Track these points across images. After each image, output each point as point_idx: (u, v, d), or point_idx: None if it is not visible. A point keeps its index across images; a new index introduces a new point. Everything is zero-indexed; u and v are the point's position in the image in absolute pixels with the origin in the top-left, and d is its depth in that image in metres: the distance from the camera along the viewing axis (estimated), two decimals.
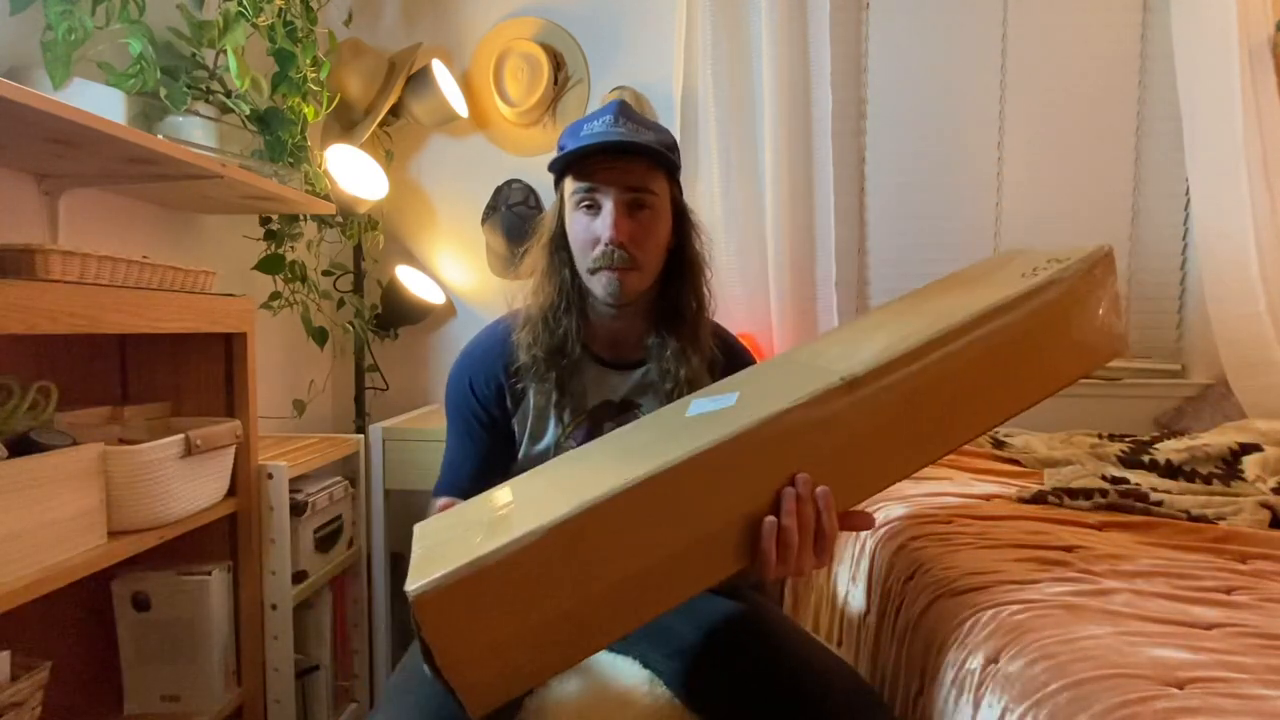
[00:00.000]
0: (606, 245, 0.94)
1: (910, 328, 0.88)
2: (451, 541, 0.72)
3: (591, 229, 0.96)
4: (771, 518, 0.74)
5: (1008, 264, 1.05)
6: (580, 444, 1.01)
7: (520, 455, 1.05)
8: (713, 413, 0.82)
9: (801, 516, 0.74)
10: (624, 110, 0.98)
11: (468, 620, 0.66)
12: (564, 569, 0.69)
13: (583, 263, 0.98)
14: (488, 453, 1.05)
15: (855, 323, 1.06)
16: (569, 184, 0.98)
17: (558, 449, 1.03)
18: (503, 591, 0.66)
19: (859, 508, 0.83)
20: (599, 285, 0.97)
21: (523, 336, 1.01)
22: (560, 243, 1.01)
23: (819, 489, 0.75)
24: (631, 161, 0.95)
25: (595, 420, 1.04)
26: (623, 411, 1.05)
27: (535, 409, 1.03)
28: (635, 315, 1.03)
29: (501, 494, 0.82)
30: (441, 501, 1.04)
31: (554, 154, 0.98)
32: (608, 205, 0.95)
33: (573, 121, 1.03)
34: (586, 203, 0.96)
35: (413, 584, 0.64)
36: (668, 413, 0.90)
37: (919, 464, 0.87)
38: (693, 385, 1.00)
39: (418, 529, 0.80)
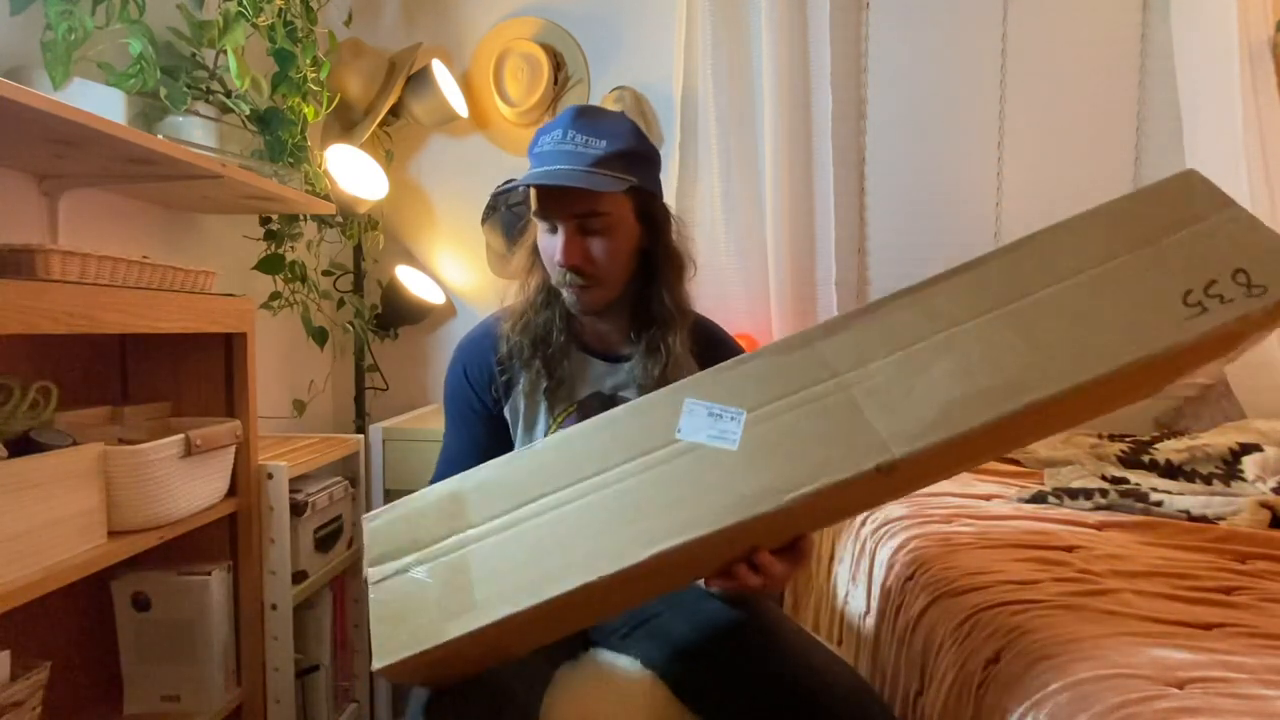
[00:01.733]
0: (560, 267, 0.96)
1: (995, 372, 0.65)
2: (407, 593, 0.71)
3: (550, 248, 0.98)
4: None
5: (1168, 236, 0.68)
6: None
7: (516, 445, 1.06)
8: (707, 450, 0.68)
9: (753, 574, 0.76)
10: (575, 121, 0.94)
11: (416, 669, 0.72)
12: (510, 632, 0.70)
13: (551, 276, 1.01)
14: (484, 445, 1.06)
15: (918, 304, 0.71)
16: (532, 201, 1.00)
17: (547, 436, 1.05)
18: (449, 650, 0.69)
19: None
20: (566, 299, 1.01)
21: (506, 327, 1.04)
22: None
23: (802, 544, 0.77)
24: (575, 187, 0.92)
25: (585, 411, 1.04)
26: (611, 404, 1.06)
27: (525, 396, 1.05)
28: (617, 314, 1.04)
29: (461, 510, 0.74)
30: None
31: None
32: (561, 229, 0.96)
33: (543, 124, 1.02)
34: (546, 225, 0.98)
35: (376, 662, 0.69)
36: (655, 418, 0.72)
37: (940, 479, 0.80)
38: (669, 382, 0.99)
39: (369, 529, 0.76)
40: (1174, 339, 0.63)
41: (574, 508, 0.70)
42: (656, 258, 1.02)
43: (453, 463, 1.07)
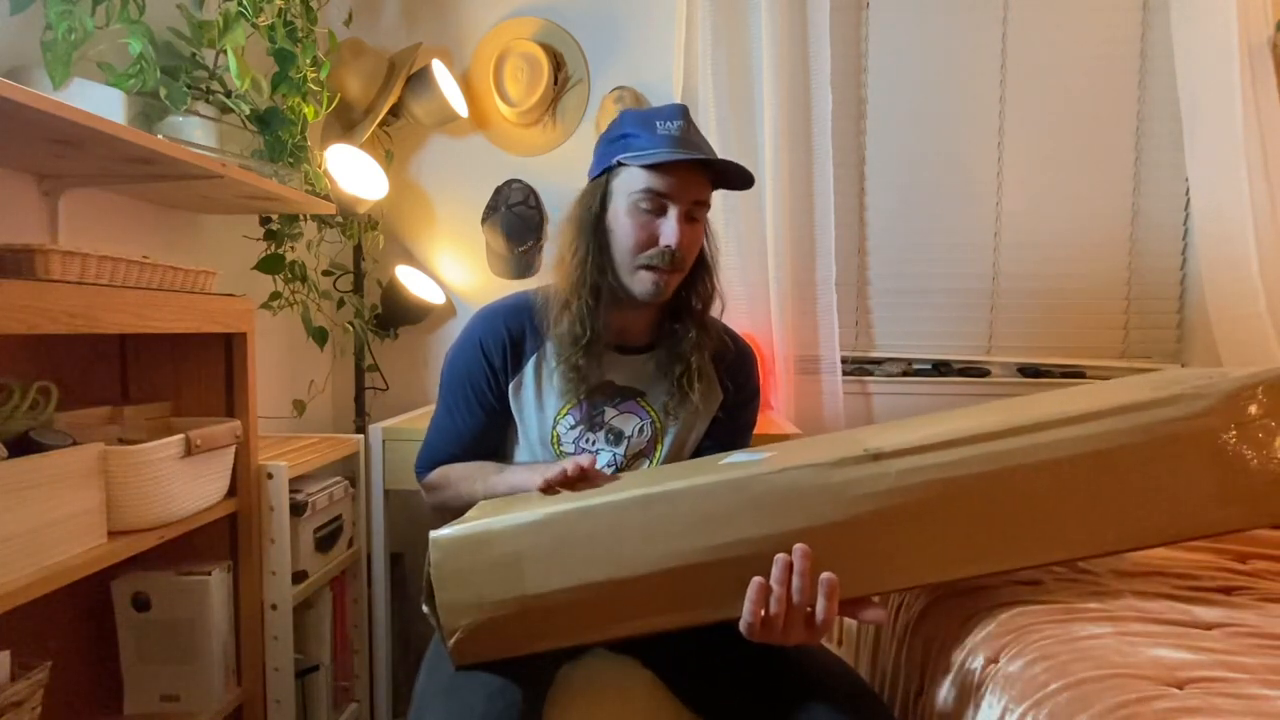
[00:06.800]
0: (664, 248, 0.96)
1: (978, 421, 0.80)
2: (484, 515, 0.85)
3: (650, 229, 0.97)
4: (760, 578, 0.73)
5: (1158, 379, 0.88)
6: (578, 421, 1.05)
7: (517, 422, 1.07)
8: (742, 462, 0.85)
9: (791, 587, 0.72)
10: (688, 116, 0.99)
11: (467, 571, 0.80)
12: (557, 557, 0.79)
13: (627, 258, 0.99)
14: (485, 427, 1.08)
15: (941, 413, 0.99)
16: (635, 177, 0.97)
17: (554, 423, 1.06)
18: (496, 558, 0.79)
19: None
20: (640, 282, 0.99)
21: (559, 330, 1.02)
22: (598, 229, 1.01)
23: (823, 575, 0.72)
24: (701, 175, 0.98)
25: (594, 398, 1.05)
26: (622, 396, 1.06)
27: (535, 375, 1.06)
28: (651, 306, 1.04)
29: (527, 501, 0.88)
30: (439, 471, 1.10)
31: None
32: (674, 212, 0.96)
33: (640, 109, 1.08)
34: (647, 203, 0.97)
35: (437, 532, 0.81)
36: (705, 460, 0.97)
37: (964, 572, 0.77)
38: (700, 373, 1.04)
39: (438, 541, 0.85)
40: (1132, 398, 0.77)
41: (633, 478, 0.88)
42: (703, 255, 1.06)
43: (450, 438, 1.09)
